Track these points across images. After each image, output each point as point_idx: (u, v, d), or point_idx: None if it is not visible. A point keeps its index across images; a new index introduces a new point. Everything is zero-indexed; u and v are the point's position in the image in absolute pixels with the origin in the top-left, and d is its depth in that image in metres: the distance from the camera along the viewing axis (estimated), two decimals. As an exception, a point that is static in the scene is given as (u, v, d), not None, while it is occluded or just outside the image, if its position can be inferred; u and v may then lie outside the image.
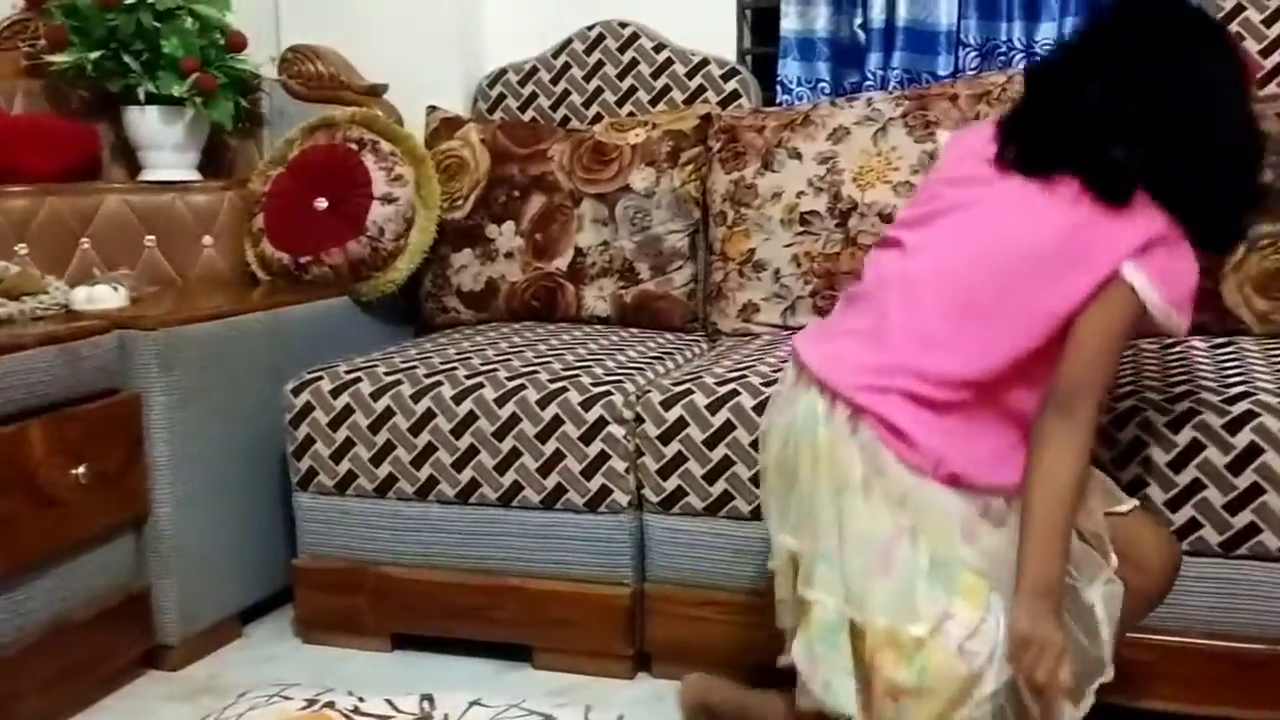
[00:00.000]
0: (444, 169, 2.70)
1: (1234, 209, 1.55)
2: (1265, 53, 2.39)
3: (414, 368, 2.23)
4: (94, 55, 2.61)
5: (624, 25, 2.84)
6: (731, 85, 2.76)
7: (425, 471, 2.18)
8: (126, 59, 2.64)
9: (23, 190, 2.49)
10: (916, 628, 1.43)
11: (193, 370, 2.18)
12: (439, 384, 2.17)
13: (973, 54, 2.66)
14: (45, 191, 2.51)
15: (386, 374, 2.22)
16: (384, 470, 2.20)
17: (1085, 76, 1.51)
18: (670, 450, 2.05)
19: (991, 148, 1.53)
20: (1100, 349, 1.44)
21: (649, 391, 2.09)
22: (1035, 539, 1.42)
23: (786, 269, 2.48)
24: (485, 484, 2.15)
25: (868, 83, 2.70)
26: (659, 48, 2.81)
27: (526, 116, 2.88)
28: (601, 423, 2.08)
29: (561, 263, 2.63)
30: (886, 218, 2.39)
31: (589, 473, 2.09)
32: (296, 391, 2.24)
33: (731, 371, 2.10)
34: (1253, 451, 1.78)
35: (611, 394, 2.10)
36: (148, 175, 2.73)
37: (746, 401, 2.01)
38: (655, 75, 2.80)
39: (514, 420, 2.12)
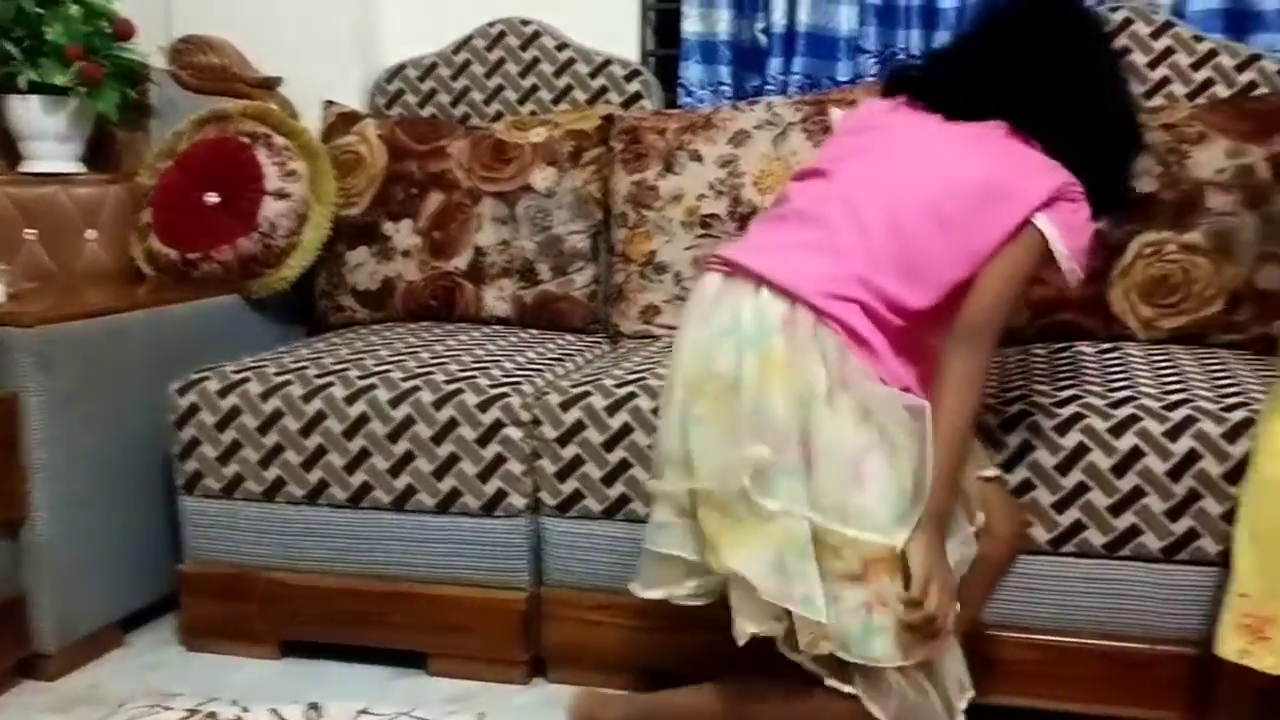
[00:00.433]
0: (340, 165, 2.64)
1: (1122, 171, 1.68)
2: (1152, 65, 2.45)
3: (305, 368, 2.18)
4: (-28, 41, 2.51)
5: (526, 23, 2.81)
6: (634, 86, 2.75)
7: (316, 475, 2.13)
8: (7, 46, 2.55)
9: (-108, 180, 2.39)
10: (896, 540, 1.43)
11: (73, 370, 2.10)
12: (331, 385, 2.13)
13: (872, 60, 2.68)
14: (-83, 181, 2.41)
15: (276, 374, 2.16)
16: (273, 473, 2.15)
17: (997, 49, 1.64)
18: (568, 453, 2.03)
19: (894, 105, 1.63)
20: (1005, 290, 1.51)
21: (547, 393, 2.07)
22: (939, 467, 1.44)
23: (688, 271, 2.48)
24: (378, 487, 2.11)
25: (769, 87, 2.71)
26: (561, 47, 2.79)
27: (425, 113, 2.84)
28: (498, 425, 2.05)
29: (460, 262, 2.59)
30: (786, 221, 2.41)
31: (485, 476, 2.06)
32: (182, 392, 2.18)
33: (631, 374, 2.09)
34: (1135, 455, 1.82)
35: (509, 396, 2.07)
36: (29, 166, 2.63)
37: (645, 404, 2.00)
38: (557, 74, 2.78)
39: (408, 422, 2.08)
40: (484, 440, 2.06)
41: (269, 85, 2.82)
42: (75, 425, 2.11)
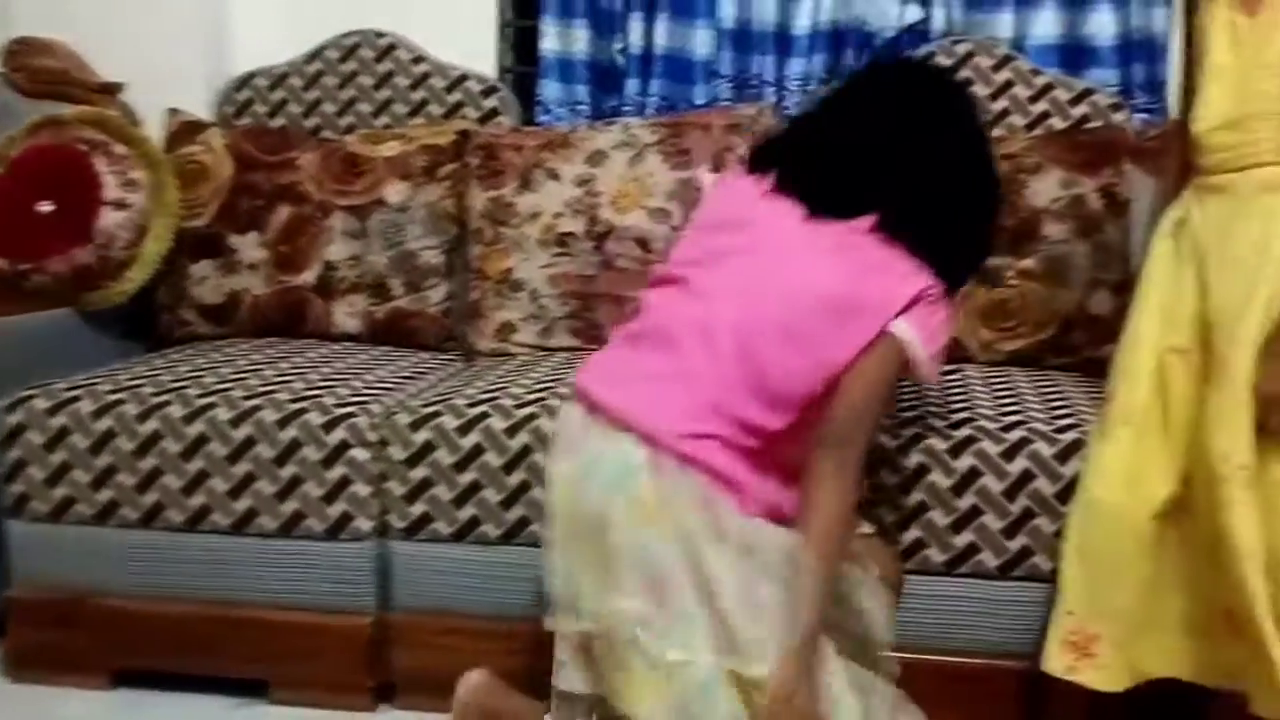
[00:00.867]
0: (183, 175, 2.56)
1: (978, 256, 1.68)
2: (993, 97, 2.54)
3: (141, 386, 2.09)
4: None
5: (381, 35, 2.77)
6: (491, 102, 2.73)
7: (151, 497, 2.05)
8: None
9: None
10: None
11: (-115, 386, 1.98)
12: (168, 403, 2.05)
13: (727, 85, 2.72)
14: None
15: (110, 392, 2.08)
16: (105, 495, 2.06)
17: (856, 127, 1.59)
18: (417, 475, 2.00)
19: (763, 190, 1.56)
20: (869, 397, 1.50)
21: (396, 413, 2.03)
22: (809, 587, 1.43)
23: (544, 289, 2.46)
24: (217, 510, 2.04)
25: (626, 107, 2.72)
26: (417, 60, 2.75)
27: (275, 124, 2.76)
28: (344, 446, 2.01)
29: (309, 276, 2.52)
30: (643, 242, 2.42)
31: (330, 498, 2.01)
32: (9, 410, 2.08)
33: (484, 393, 2.06)
34: (973, 475, 1.88)
35: (356, 416, 2.02)
36: None
37: (498, 424, 1.97)
38: (413, 88, 2.74)
39: (249, 443, 2.02)
40: (329, 462, 2.01)
41: (110, 91, 2.71)
42: (-113, 445, 1.99)
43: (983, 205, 1.65)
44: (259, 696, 2.08)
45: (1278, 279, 1.53)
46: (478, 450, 1.98)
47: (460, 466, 1.98)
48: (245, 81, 2.80)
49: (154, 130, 2.66)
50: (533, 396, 2.02)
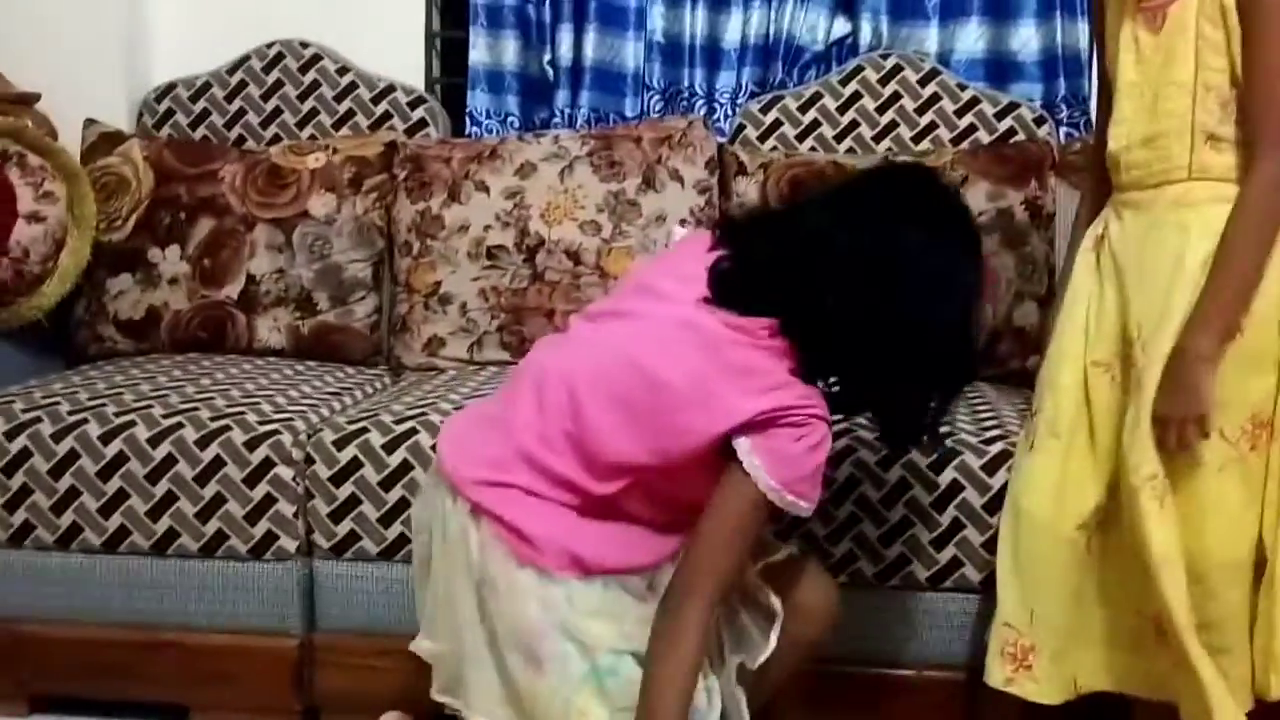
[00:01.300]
0: (101, 187, 2.50)
1: (923, 413, 1.48)
2: (920, 110, 2.57)
3: (57, 404, 2.03)
4: None
5: (305, 45, 2.72)
6: (419, 113, 2.70)
7: (68, 518, 1.99)
8: None
9: None
10: None
11: None
12: (85, 422, 1.99)
13: (657, 98, 2.72)
14: None
15: (24, 411, 2.02)
16: (19, 517, 2.00)
17: (810, 224, 1.43)
18: (343, 493, 1.96)
19: (703, 262, 1.45)
20: (714, 538, 1.39)
21: (321, 430, 2.00)
22: None
23: (474, 303, 2.44)
24: (136, 531, 1.99)
25: (556, 119, 2.71)
26: (343, 70, 2.71)
27: (197, 135, 2.71)
28: (268, 464, 1.97)
29: (232, 290, 2.47)
30: (573, 254, 2.41)
31: (253, 518, 1.97)
32: (-85, 430, 2.00)
33: (411, 409, 2.03)
34: (903, 486, 1.88)
35: (280, 433, 1.98)
36: None
37: (425, 441, 1.95)
38: (338, 99, 2.70)
39: (170, 461, 1.97)
40: (252, 480, 1.96)
41: (26, 101, 2.63)
42: None
43: (929, 359, 1.41)
44: (181, 722, 2.03)
45: (1192, 293, 1.55)
46: (405, 467, 1.94)
47: (387, 484, 1.95)
48: (166, 92, 2.74)
49: (71, 142, 2.59)
50: (459, 411, 1.99)
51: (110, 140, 2.58)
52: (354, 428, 1.98)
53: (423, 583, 1.56)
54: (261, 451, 1.97)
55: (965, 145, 2.52)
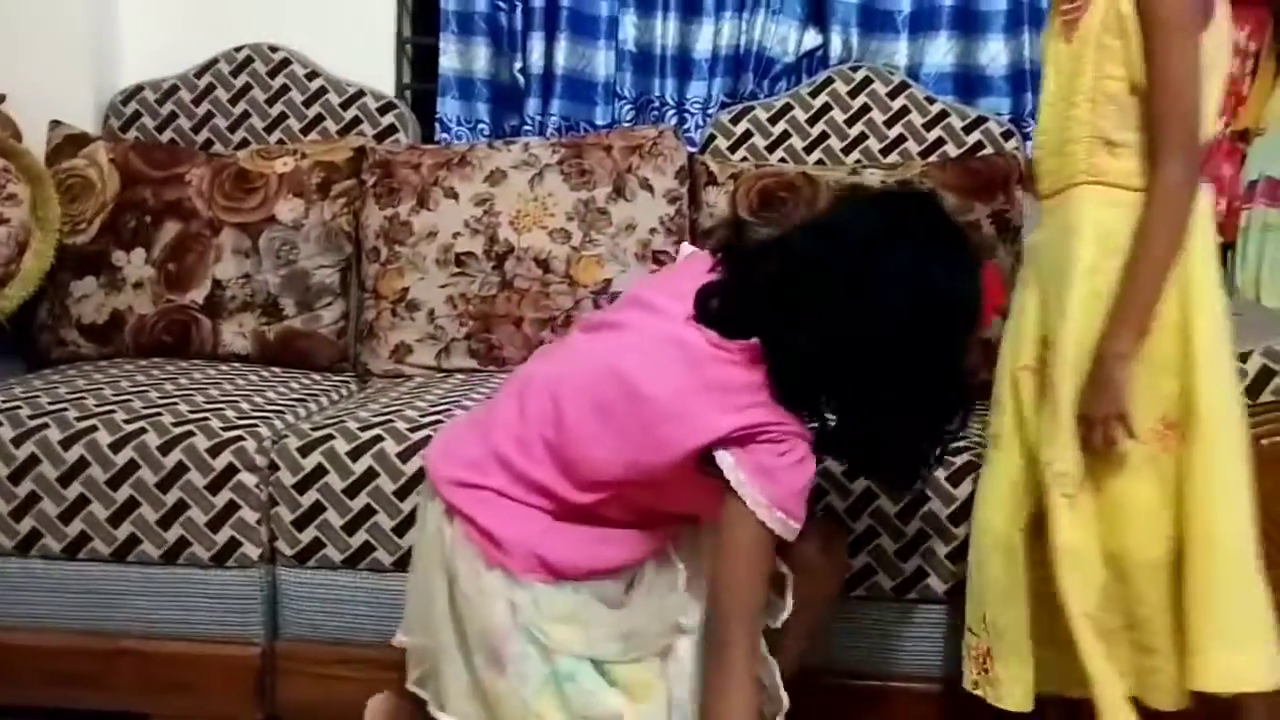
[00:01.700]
0: (66, 189, 2.47)
1: (912, 452, 1.47)
2: (888, 123, 2.58)
3: (17, 408, 2.01)
4: None
5: (275, 50, 2.71)
6: (388, 119, 2.68)
7: (27, 524, 1.97)
8: None
9: None
10: None
11: None
12: (45, 427, 1.97)
13: (628, 107, 2.73)
14: None
15: (-16, 415, 1.99)
16: (-23, 523, 1.97)
17: (803, 245, 1.43)
18: (307, 500, 1.95)
19: (698, 280, 1.46)
20: (731, 579, 1.40)
21: (286, 437, 1.98)
22: None
23: (441, 310, 2.43)
24: (97, 537, 1.96)
25: (526, 127, 2.70)
26: (312, 75, 2.70)
27: (164, 138, 2.69)
28: (231, 470, 1.95)
29: (197, 295, 2.45)
30: (543, 262, 2.40)
31: (216, 524, 1.95)
32: None
33: (377, 416, 2.02)
34: (869, 497, 1.89)
35: (243, 439, 1.97)
36: None
37: (391, 448, 1.94)
38: (307, 104, 2.69)
39: (132, 467, 1.95)
40: (215, 487, 1.95)
41: (-11, 101, 2.61)
42: None
43: (910, 386, 1.39)
44: (140, 731, 2.01)
45: (1081, 283, 1.59)
46: (370, 474, 1.93)
47: (352, 491, 1.94)
48: (133, 94, 2.72)
49: (36, 143, 2.56)
50: (428, 420, 1.99)
51: (75, 142, 2.55)
52: (319, 434, 1.97)
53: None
54: (225, 458, 1.95)
55: (933, 158, 2.53)
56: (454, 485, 1.46)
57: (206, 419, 2.00)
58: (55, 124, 2.60)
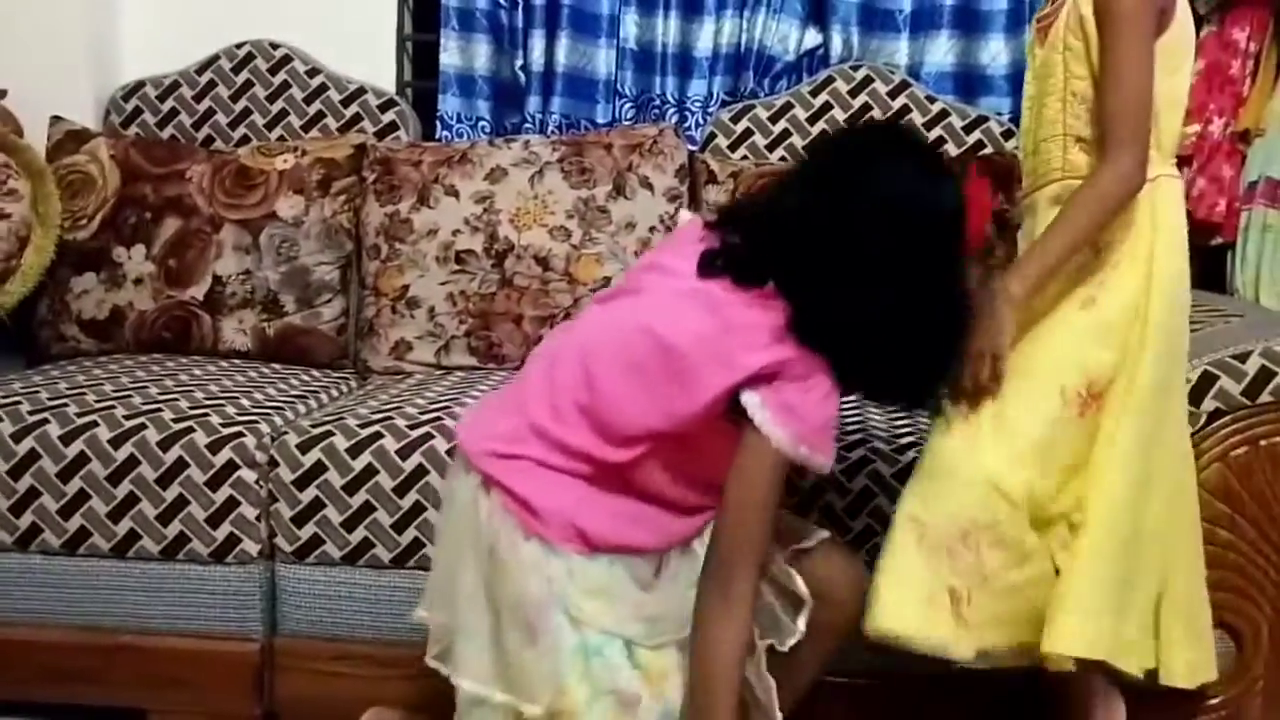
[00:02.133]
0: (67, 185, 2.48)
1: (924, 369, 1.49)
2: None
3: (17, 403, 2.01)
4: None
5: (276, 46, 2.71)
6: (389, 116, 2.69)
7: (27, 519, 1.97)
8: None
9: None
10: (573, 702, 1.41)
11: None
12: (45, 422, 1.97)
13: (629, 105, 2.73)
14: None
15: (-16, 410, 1.99)
16: (-24, 518, 1.97)
17: (791, 190, 1.51)
18: (307, 496, 1.95)
19: (698, 243, 1.51)
20: (743, 502, 1.43)
21: (285, 433, 1.98)
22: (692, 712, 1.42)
23: (441, 307, 2.43)
24: (96, 533, 1.96)
25: (527, 125, 2.71)
26: (313, 72, 2.70)
27: (165, 134, 2.69)
28: (231, 466, 1.95)
29: (197, 291, 2.46)
30: (543, 260, 2.41)
31: (215, 521, 1.95)
32: None
33: (377, 413, 2.02)
34: (869, 495, 1.89)
35: (243, 435, 1.97)
36: None
37: (390, 444, 1.94)
38: (308, 101, 2.69)
39: (131, 463, 1.95)
40: (215, 483, 1.95)
41: (-10, 97, 2.62)
42: None
43: (911, 300, 1.43)
44: (139, 727, 2.01)
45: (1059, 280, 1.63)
46: (369, 471, 1.93)
47: (351, 488, 1.94)
48: (134, 90, 2.72)
49: (37, 139, 2.56)
50: (427, 417, 1.99)
51: (76, 138, 2.56)
52: (318, 431, 1.97)
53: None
54: (225, 454, 1.95)
55: (933, 157, 2.53)
56: (491, 456, 1.46)
57: (206, 415, 2.00)
58: (56, 120, 2.60)
